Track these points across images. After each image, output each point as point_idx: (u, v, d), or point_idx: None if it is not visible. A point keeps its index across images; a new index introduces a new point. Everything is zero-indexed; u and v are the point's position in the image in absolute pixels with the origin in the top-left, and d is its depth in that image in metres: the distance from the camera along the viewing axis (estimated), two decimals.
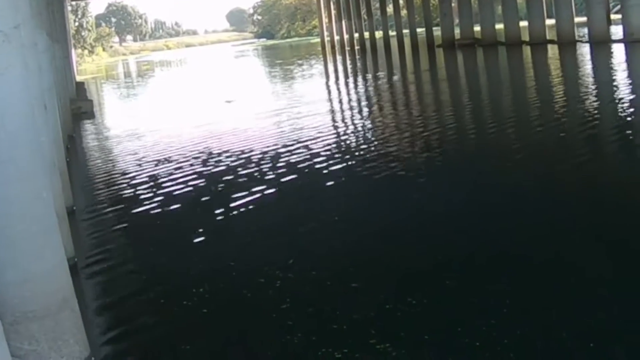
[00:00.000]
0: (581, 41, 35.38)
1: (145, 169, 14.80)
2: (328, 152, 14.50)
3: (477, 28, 45.28)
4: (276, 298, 7.06)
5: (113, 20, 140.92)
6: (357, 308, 6.61)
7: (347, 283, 7.35)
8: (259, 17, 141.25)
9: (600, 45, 32.08)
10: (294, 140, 16.26)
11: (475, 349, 5.62)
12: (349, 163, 13.48)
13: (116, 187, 13.38)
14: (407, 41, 50.99)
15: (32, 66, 8.00)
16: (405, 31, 53.49)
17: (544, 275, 6.94)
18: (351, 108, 23.56)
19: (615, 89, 19.76)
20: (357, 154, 14.41)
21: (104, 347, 6.24)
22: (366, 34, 59.58)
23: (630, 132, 13.65)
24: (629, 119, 14.86)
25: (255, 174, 13.04)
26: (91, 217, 11.21)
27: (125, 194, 12.70)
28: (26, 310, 5.37)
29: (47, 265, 5.52)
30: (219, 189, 12.36)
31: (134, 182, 13.58)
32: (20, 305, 5.36)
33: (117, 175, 14.61)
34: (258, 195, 11.50)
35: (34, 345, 5.42)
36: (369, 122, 19.50)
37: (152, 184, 13.21)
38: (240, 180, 12.73)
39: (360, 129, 18.31)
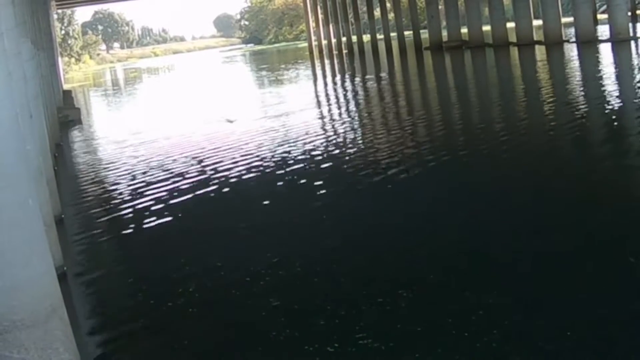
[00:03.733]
0: (568, 41, 35.49)
1: (134, 176, 14.76)
2: (319, 157, 14.55)
3: (464, 30, 45.38)
4: (263, 296, 7.11)
5: (100, 27, 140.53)
6: (344, 304, 6.67)
7: (335, 279, 7.43)
8: (246, 23, 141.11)
9: (588, 45, 32.19)
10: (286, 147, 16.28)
11: (464, 339, 5.68)
12: (337, 164, 13.54)
13: (105, 195, 13.34)
14: (394, 44, 51.10)
15: (16, 75, 7.97)
16: (393, 34, 53.52)
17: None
18: (341, 117, 23.58)
19: (603, 88, 19.81)
20: (347, 157, 14.44)
21: (94, 356, 6.21)
22: (354, 38, 59.61)
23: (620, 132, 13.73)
24: (617, 118, 14.91)
25: (246, 180, 13.05)
26: (80, 225, 11.18)
27: (113, 201, 12.66)
28: (14, 318, 5.32)
29: (34, 274, 5.47)
30: (208, 196, 12.33)
31: (122, 190, 13.56)
32: (8, 314, 5.31)
33: (105, 183, 14.57)
34: (245, 198, 11.57)
35: (23, 354, 5.37)
36: (360, 134, 19.52)
37: (140, 191, 13.17)
38: (230, 186, 12.73)
39: (352, 140, 18.29)
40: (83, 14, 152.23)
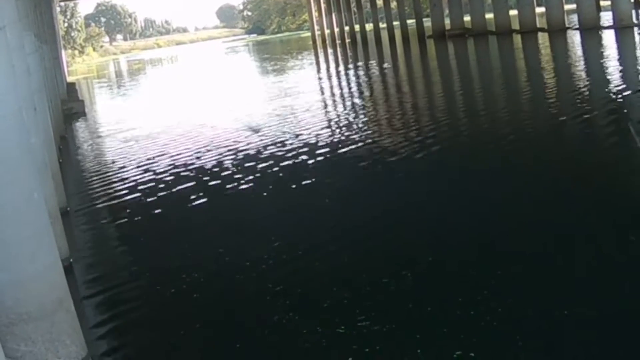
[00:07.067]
0: (571, 28, 35.37)
1: (139, 168, 14.79)
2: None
3: (467, 18, 45.25)
4: (265, 280, 7.20)
5: (102, 20, 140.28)
6: (345, 288, 6.74)
7: (337, 264, 7.51)
8: (249, 13, 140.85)
9: (591, 31, 32.08)
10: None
11: (467, 319, 5.74)
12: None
13: (110, 187, 13.35)
14: (397, 33, 51.01)
15: (20, 68, 7.98)
16: (396, 23, 53.39)
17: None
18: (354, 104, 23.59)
19: (606, 73, 19.78)
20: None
21: (102, 347, 6.24)
22: (356, 27, 59.48)
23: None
24: (620, 102, 14.90)
25: (247, 169, 13.08)
26: (86, 217, 11.21)
27: (118, 193, 12.68)
28: (21, 311, 5.36)
29: (41, 267, 5.50)
30: (210, 185, 12.37)
31: (127, 181, 13.57)
32: (15, 306, 5.35)
33: (110, 175, 14.58)
34: (246, 187, 11.67)
35: (30, 347, 5.41)
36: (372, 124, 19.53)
37: (145, 182, 13.20)
38: (232, 174, 12.77)
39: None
40: (86, 6, 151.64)
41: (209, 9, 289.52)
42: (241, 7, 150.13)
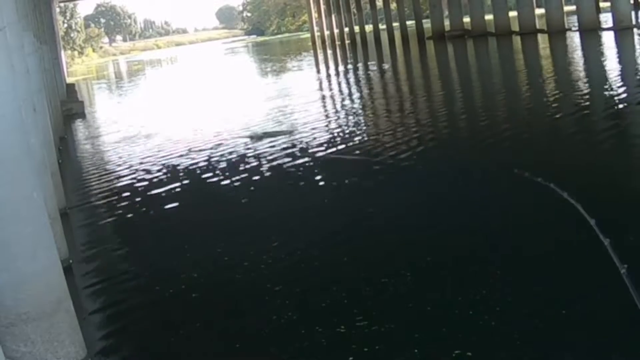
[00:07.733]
0: (571, 30, 35.39)
1: (138, 168, 14.79)
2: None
3: (466, 19, 45.27)
4: (264, 280, 7.20)
5: (102, 20, 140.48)
6: (344, 287, 6.74)
7: (335, 264, 7.50)
8: (249, 14, 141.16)
9: (590, 33, 32.10)
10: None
11: (466, 320, 5.73)
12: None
13: (109, 188, 13.35)
14: (397, 34, 51.06)
15: (19, 68, 7.98)
16: (395, 24, 53.46)
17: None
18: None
19: (605, 75, 19.79)
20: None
21: (101, 348, 6.24)
22: (356, 28, 59.54)
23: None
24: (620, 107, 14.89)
25: (246, 168, 13.09)
26: (85, 218, 11.21)
27: (118, 194, 12.68)
28: (20, 312, 5.36)
29: (40, 267, 5.50)
30: (209, 185, 12.39)
31: (127, 182, 13.57)
32: (14, 307, 5.34)
33: (109, 176, 14.58)
34: (245, 187, 11.71)
35: (29, 347, 5.41)
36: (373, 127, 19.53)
37: (145, 183, 13.21)
38: (231, 174, 12.77)
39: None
40: (85, 7, 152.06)
41: (209, 10, 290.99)
42: (241, 8, 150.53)
